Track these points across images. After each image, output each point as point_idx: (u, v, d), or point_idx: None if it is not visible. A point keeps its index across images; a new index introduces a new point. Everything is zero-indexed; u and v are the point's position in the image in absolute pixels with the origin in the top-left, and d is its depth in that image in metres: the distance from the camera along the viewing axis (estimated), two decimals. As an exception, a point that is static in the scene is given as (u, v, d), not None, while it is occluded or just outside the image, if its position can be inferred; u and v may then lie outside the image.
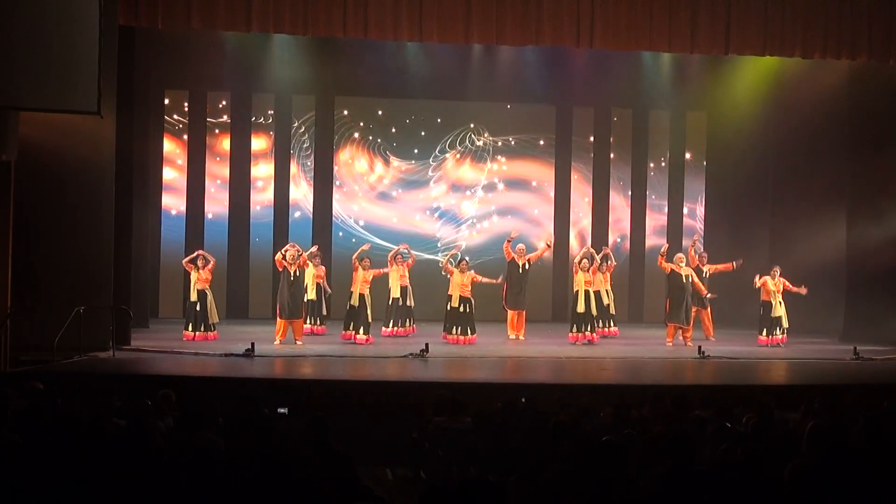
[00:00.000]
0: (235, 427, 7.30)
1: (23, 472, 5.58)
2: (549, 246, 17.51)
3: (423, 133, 20.07)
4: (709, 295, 16.45)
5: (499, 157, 20.28)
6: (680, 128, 20.76)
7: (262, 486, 5.48)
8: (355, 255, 15.97)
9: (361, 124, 19.92)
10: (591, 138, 20.52)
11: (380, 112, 19.94)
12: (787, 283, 15.96)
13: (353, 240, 19.29)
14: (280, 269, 15.23)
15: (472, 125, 20.16)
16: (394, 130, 19.99)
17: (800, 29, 15.54)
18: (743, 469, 5.84)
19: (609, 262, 16.80)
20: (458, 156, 20.13)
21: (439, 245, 19.95)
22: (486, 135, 20.20)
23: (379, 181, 20.00)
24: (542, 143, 20.33)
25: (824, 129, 17.99)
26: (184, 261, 15.94)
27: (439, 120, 20.11)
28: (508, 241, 16.55)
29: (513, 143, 20.27)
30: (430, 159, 20.10)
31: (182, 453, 5.98)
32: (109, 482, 5.49)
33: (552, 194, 20.45)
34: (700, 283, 16.26)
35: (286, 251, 15.28)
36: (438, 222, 20.18)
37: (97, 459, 6.04)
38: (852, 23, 15.58)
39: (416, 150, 20.05)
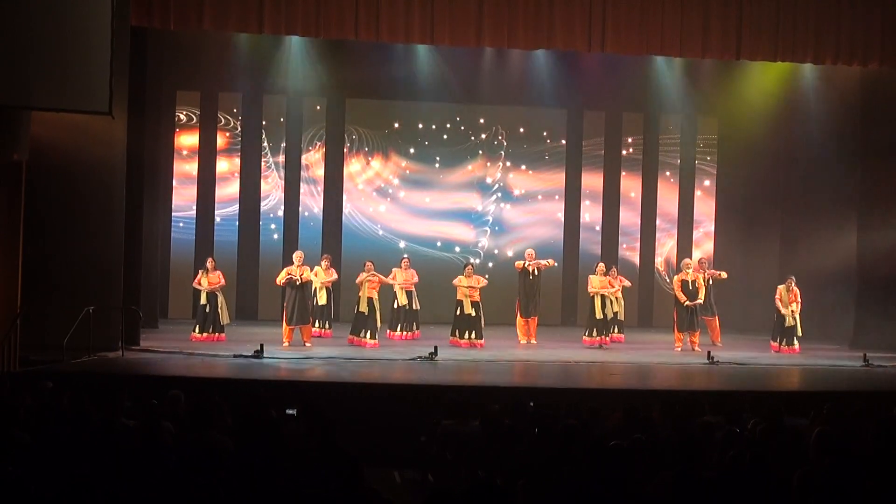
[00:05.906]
0: (244, 428, 7.31)
1: (31, 472, 5.60)
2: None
3: (433, 136, 20.03)
4: (722, 274, 16.45)
5: (509, 160, 20.23)
6: (691, 132, 20.68)
7: (270, 487, 5.48)
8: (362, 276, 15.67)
9: (372, 127, 19.91)
10: (602, 142, 20.47)
11: (390, 114, 19.92)
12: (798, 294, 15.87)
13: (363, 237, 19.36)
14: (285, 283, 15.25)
15: (481, 127, 20.10)
16: (404, 133, 19.96)
17: (811, 35, 15.52)
18: (751, 475, 5.83)
19: (619, 279, 16.71)
20: (467, 158, 20.09)
21: (456, 248, 19.98)
22: (496, 138, 20.15)
23: (388, 183, 19.96)
24: (552, 145, 20.29)
25: (836, 135, 17.91)
26: (194, 283, 15.94)
27: (450, 123, 20.06)
28: (524, 262, 16.40)
29: (524, 146, 20.22)
30: (439, 161, 20.06)
31: (190, 454, 5.99)
32: (118, 482, 5.50)
33: (563, 197, 20.41)
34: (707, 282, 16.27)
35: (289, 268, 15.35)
36: (449, 224, 20.14)
37: (106, 459, 6.05)
38: (864, 29, 15.58)
39: (425, 153, 20.00)
